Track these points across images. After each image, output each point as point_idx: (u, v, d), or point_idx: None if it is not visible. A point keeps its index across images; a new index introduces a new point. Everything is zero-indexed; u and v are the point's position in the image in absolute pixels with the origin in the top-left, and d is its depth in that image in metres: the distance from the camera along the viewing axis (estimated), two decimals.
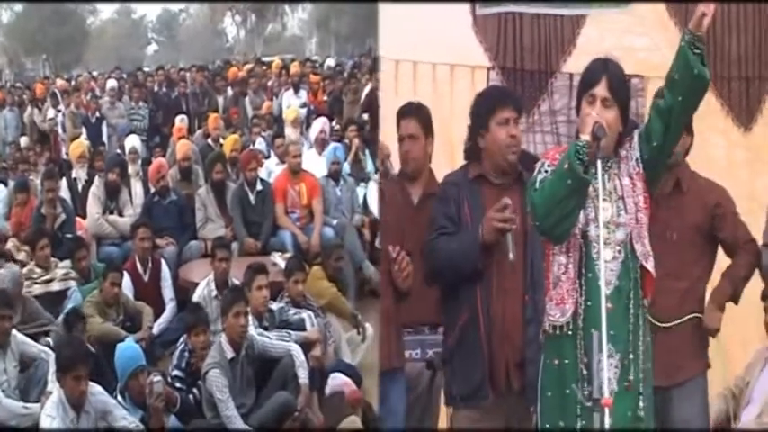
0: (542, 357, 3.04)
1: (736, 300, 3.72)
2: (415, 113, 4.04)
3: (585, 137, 2.87)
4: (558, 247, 2.98)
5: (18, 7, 29.34)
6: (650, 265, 2.98)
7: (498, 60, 4.85)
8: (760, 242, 3.78)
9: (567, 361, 2.98)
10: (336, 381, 5.01)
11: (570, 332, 2.97)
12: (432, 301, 3.71)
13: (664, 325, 3.47)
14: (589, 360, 2.85)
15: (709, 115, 4.40)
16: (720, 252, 3.90)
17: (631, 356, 2.97)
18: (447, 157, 4.08)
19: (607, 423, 2.64)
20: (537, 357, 3.13)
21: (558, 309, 2.99)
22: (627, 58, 3.41)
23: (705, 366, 3.75)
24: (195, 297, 6.22)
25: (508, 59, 4.86)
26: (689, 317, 3.65)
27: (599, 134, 2.85)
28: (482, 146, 3.49)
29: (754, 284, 3.77)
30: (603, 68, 2.96)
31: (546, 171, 2.96)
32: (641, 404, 2.99)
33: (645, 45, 4.71)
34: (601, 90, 2.93)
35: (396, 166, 4.19)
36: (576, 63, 4.41)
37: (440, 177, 3.67)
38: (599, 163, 2.86)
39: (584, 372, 2.92)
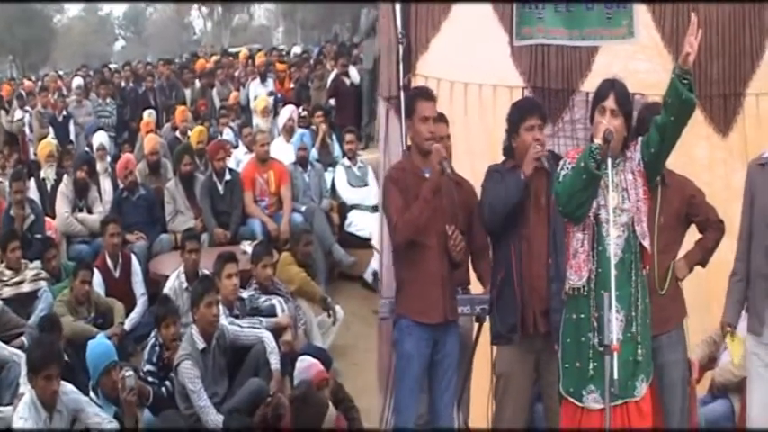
0: (563, 312, 3.79)
1: (703, 264, 4.54)
2: (444, 119, 4.88)
3: (598, 141, 3.60)
4: (576, 226, 3.72)
5: None
6: (646, 243, 3.73)
7: (531, 81, 5.77)
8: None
9: (582, 315, 3.72)
10: (303, 363, 5.04)
11: (585, 293, 3.71)
12: (461, 273, 4.70)
13: (661, 293, 4.28)
14: (600, 315, 3.62)
15: (695, 125, 5.16)
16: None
17: (633, 314, 3.70)
18: (490, 157, 4.80)
19: (615, 363, 3.47)
20: (559, 308, 3.90)
21: (576, 275, 3.72)
22: (631, 78, 4.38)
23: (684, 315, 4.49)
24: (166, 290, 6.23)
25: (538, 81, 5.78)
26: (669, 273, 4.39)
27: (608, 138, 3.60)
28: (514, 146, 4.38)
29: (730, 258, 4.49)
30: (612, 86, 3.72)
31: (567, 168, 3.70)
32: (640, 351, 3.72)
33: (645, 68, 5.67)
34: (610, 103, 3.68)
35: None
36: (591, 83, 5.19)
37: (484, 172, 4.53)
38: (609, 161, 3.64)
39: (596, 324, 3.66)
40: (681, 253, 4.50)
